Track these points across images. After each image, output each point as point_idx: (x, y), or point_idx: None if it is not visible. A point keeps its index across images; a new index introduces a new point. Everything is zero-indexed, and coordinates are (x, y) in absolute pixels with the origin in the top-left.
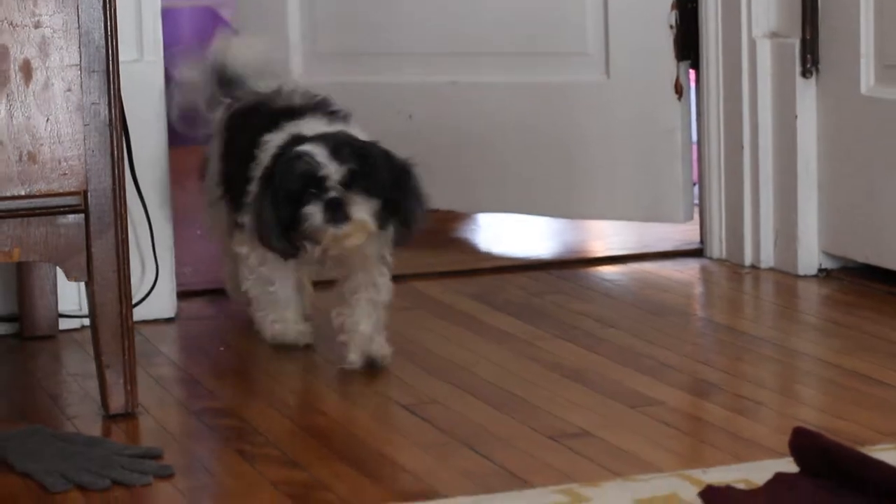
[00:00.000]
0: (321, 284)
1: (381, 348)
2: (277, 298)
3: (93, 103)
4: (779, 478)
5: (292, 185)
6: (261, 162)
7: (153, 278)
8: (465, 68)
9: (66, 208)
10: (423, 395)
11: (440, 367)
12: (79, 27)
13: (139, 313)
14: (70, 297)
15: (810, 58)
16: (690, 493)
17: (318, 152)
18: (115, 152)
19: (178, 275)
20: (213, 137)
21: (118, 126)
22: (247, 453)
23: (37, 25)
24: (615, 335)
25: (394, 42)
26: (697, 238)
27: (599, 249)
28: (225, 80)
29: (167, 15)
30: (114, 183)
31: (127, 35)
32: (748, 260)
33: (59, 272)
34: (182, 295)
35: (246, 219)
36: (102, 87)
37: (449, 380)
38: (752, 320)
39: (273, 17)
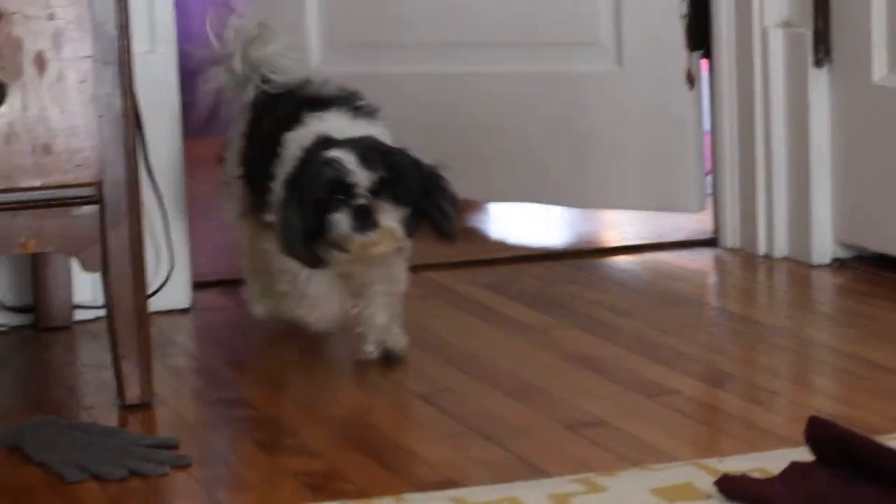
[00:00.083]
0: None
1: (398, 339)
2: (307, 290)
3: (106, 95)
4: (794, 467)
5: (319, 191)
6: (284, 160)
7: (168, 269)
8: (481, 58)
9: (81, 199)
10: (438, 384)
11: (456, 357)
12: (92, 19)
13: (154, 304)
14: (85, 288)
15: (823, 47)
16: (706, 482)
17: (347, 159)
18: (130, 143)
19: (193, 265)
20: (237, 118)
21: (132, 117)
22: (263, 443)
23: (50, 17)
24: (630, 325)
25: (410, 32)
26: (711, 228)
27: (614, 239)
28: (251, 65)
29: (179, 6)
30: (128, 174)
31: (140, 26)
32: (762, 249)
33: (74, 263)
34: (197, 285)
35: (270, 218)
36: (116, 79)
37: (465, 369)
38: (766, 310)
39: (291, 7)
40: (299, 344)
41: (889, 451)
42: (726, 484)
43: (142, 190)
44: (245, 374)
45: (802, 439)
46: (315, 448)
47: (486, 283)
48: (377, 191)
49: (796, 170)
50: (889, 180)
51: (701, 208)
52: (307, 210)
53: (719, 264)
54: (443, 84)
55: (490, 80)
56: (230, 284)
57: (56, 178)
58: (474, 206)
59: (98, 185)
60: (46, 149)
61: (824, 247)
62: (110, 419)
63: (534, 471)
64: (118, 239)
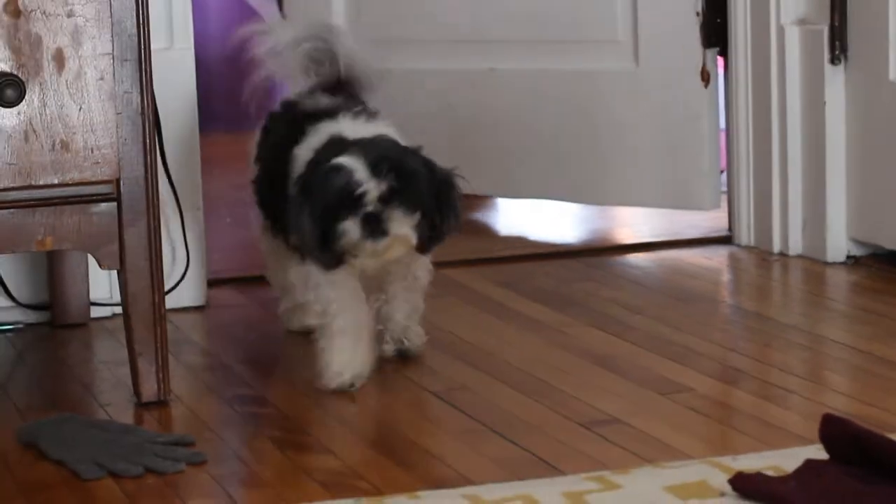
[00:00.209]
0: None
1: (415, 338)
2: (336, 322)
3: (125, 92)
4: (808, 465)
5: (329, 199)
6: (295, 174)
7: (184, 266)
8: (502, 55)
9: (99, 197)
10: (453, 382)
11: (470, 354)
12: (111, 16)
13: (170, 301)
14: (101, 285)
15: (839, 45)
16: (720, 480)
17: (357, 166)
18: (147, 141)
19: (209, 262)
20: (255, 140)
21: (150, 114)
22: (279, 440)
23: (69, 14)
24: (644, 322)
25: (434, 29)
26: (726, 225)
27: (628, 236)
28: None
29: (197, 3)
30: (146, 171)
31: (158, 23)
32: (776, 247)
33: (91, 260)
34: (212, 283)
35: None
36: (134, 76)
37: (479, 367)
38: (780, 307)
39: (317, 4)
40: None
41: None
42: (740, 482)
43: (159, 187)
44: (260, 371)
45: (817, 437)
46: (330, 445)
47: (500, 281)
48: (387, 198)
49: (811, 167)
50: None
51: (716, 206)
52: (317, 216)
53: (734, 262)
54: (463, 80)
55: (509, 76)
56: (245, 282)
57: (74, 176)
58: (488, 203)
59: (116, 182)
60: (64, 146)
61: (839, 244)
62: (126, 416)
63: (548, 468)
64: (135, 236)
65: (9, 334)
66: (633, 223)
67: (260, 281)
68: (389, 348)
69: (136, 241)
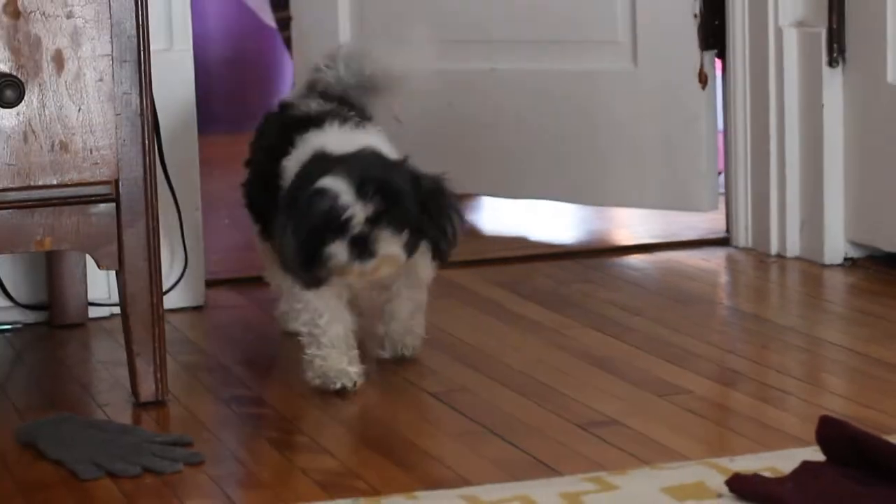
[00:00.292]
0: None
1: (413, 339)
2: (326, 333)
3: (124, 93)
4: (805, 466)
5: (314, 222)
6: (286, 179)
7: (182, 267)
8: (503, 56)
9: (98, 197)
10: (452, 383)
11: (469, 356)
12: (110, 17)
13: (168, 302)
14: (99, 285)
15: (837, 47)
16: (717, 482)
17: (342, 188)
18: (146, 142)
19: (207, 263)
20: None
21: (149, 115)
22: (276, 441)
23: (69, 16)
24: (642, 324)
25: (436, 30)
26: (723, 227)
27: (626, 238)
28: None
29: (196, 4)
30: (145, 172)
31: (157, 25)
32: (774, 249)
33: (89, 260)
34: (210, 284)
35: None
36: (134, 77)
37: (478, 368)
38: (778, 309)
39: (323, 5)
40: None
41: None
42: (737, 483)
43: (157, 188)
44: (258, 371)
45: (814, 439)
46: (328, 446)
47: (499, 282)
48: (374, 219)
49: (809, 169)
50: None
51: (713, 207)
52: (302, 237)
53: (731, 263)
54: (464, 80)
55: (509, 76)
56: (243, 282)
57: (73, 176)
58: (487, 202)
59: (114, 183)
60: (64, 147)
61: (837, 246)
62: (124, 416)
63: (546, 469)
64: (134, 237)
65: (7, 334)
66: (630, 224)
67: (258, 282)
68: (384, 353)
69: (134, 241)
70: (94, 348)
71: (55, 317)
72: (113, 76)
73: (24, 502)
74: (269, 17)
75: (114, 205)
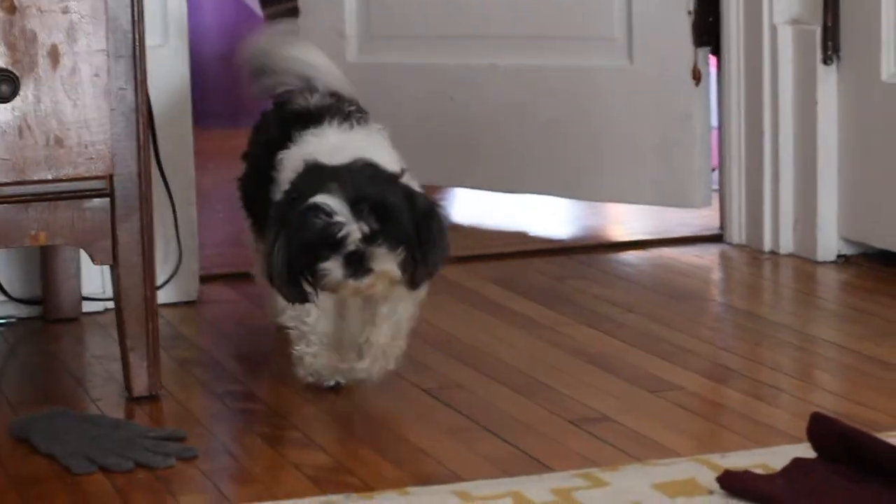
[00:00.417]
0: None
1: (394, 352)
2: (314, 331)
3: (119, 88)
4: (796, 463)
5: (308, 239)
6: (280, 183)
7: (176, 262)
8: (503, 51)
9: (93, 192)
10: (445, 379)
11: (462, 352)
12: (106, 13)
13: (162, 296)
14: (93, 280)
15: (831, 45)
16: (708, 478)
17: (337, 207)
18: (141, 137)
19: (201, 258)
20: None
21: (144, 111)
22: (269, 436)
23: (64, 11)
24: (635, 320)
25: (438, 25)
26: (717, 223)
27: (620, 234)
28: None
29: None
30: (139, 167)
31: (153, 20)
32: (767, 245)
33: (83, 255)
34: (204, 279)
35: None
36: (129, 73)
37: (471, 364)
38: (770, 306)
39: (330, 2)
40: None
41: (891, 447)
42: (728, 480)
43: (152, 183)
44: (251, 366)
45: (805, 436)
46: (320, 441)
47: (492, 278)
48: (369, 237)
49: (803, 166)
50: (895, 178)
51: (707, 204)
52: (294, 253)
53: (725, 260)
54: (465, 76)
55: (509, 72)
56: (237, 277)
57: (68, 171)
58: (482, 197)
59: (109, 178)
60: (58, 142)
61: (830, 243)
62: (118, 411)
63: (538, 466)
64: (128, 232)
65: (1, 328)
66: (624, 220)
67: (251, 277)
68: (364, 370)
69: (128, 236)
70: (87, 343)
71: (49, 311)
72: (108, 71)
73: (17, 496)
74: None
75: (108, 200)
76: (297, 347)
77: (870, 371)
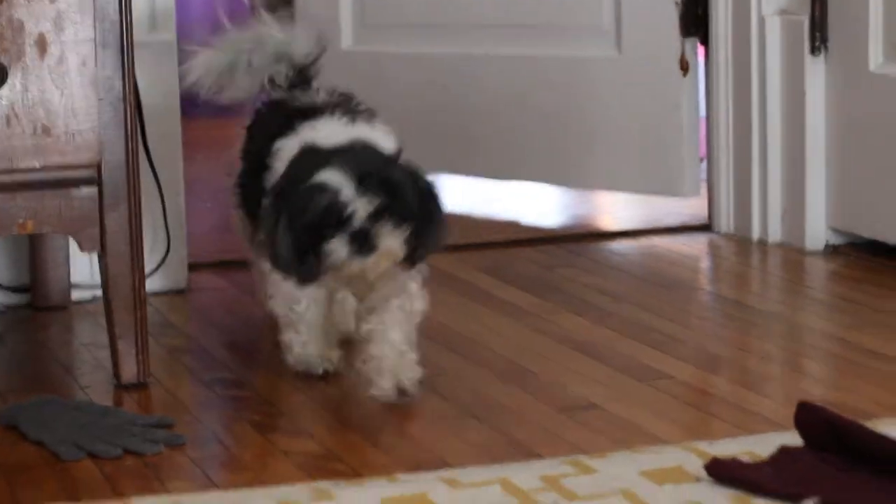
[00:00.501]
0: None
1: (411, 371)
2: (303, 319)
3: (107, 77)
4: (783, 451)
5: (313, 218)
6: (275, 171)
7: (164, 250)
8: (497, 41)
9: (80, 181)
10: (433, 367)
11: (451, 340)
12: (93, 2)
13: (150, 285)
14: (82, 268)
15: (819, 35)
16: (696, 466)
17: (343, 184)
18: (129, 126)
19: (189, 246)
20: (240, 136)
21: (132, 100)
22: (258, 423)
23: (52, 0)
24: (624, 309)
25: (432, 14)
26: (706, 213)
27: (609, 223)
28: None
29: None
30: (127, 156)
31: (141, 9)
32: (756, 235)
33: (72, 243)
34: (193, 267)
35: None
36: (116, 62)
37: (459, 352)
38: (759, 295)
39: None
40: None
41: (878, 436)
42: (716, 467)
43: (140, 172)
44: (240, 354)
45: (793, 424)
46: (309, 428)
47: (482, 267)
48: (375, 214)
49: (791, 156)
50: (883, 168)
51: (695, 193)
52: (298, 232)
53: (713, 249)
54: (461, 65)
55: (503, 62)
56: (226, 265)
57: (55, 160)
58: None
59: (97, 166)
60: (46, 130)
61: (818, 233)
62: (106, 398)
63: (526, 453)
64: (116, 220)
65: None
66: (613, 210)
67: (240, 265)
68: (388, 388)
69: (116, 224)
70: (76, 331)
71: (38, 299)
72: (96, 60)
73: (5, 483)
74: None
75: (96, 188)
76: (286, 335)
77: (857, 360)
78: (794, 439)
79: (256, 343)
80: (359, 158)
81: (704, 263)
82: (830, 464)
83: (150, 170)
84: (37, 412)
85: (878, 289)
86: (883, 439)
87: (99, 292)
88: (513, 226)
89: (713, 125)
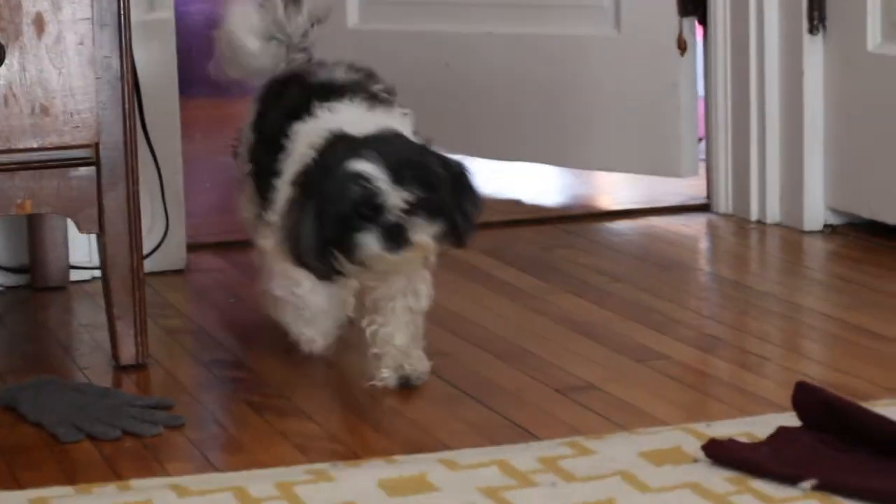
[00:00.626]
0: None
1: (418, 363)
2: (304, 300)
3: (105, 57)
4: (781, 432)
5: (344, 207)
6: (293, 154)
7: (163, 230)
8: (499, 19)
9: (78, 161)
10: (431, 347)
11: (449, 321)
12: None
13: (149, 265)
14: (81, 248)
15: (817, 14)
16: (694, 447)
17: (378, 175)
18: (127, 105)
19: (188, 227)
20: (250, 107)
21: (130, 79)
22: (256, 404)
23: None
24: (622, 289)
25: None
26: (704, 193)
27: (607, 203)
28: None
29: None
30: (125, 136)
31: None
32: (754, 215)
33: (71, 224)
34: (192, 247)
35: (273, 218)
36: (114, 41)
37: (457, 333)
38: (757, 275)
39: None
40: None
41: (876, 416)
42: (714, 448)
43: (138, 152)
44: (239, 335)
45: (791, 405)
46: (307, 409)
47: (481, 247)
48: (410, 206)
49: (789, 136)
50: (881, 148)
51: (693, 173)
52: (326, 223)
53: (712, 229)
54: (463, 42)
55: (505, 40)
56: (225, 246)
57: (53, 140)
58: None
59: (95, 146)
60: (44, 110)
61: (816, 213)
62: (105, 379)
63: (524, 434)
64: (114, 200)
65: None
66: (611, 190)
67: (239, 245)
68: (389, 377)
69: (115, 205)
70: (75, 311)
71: (36, 280)
72: (93, 40)
73: (4, 465)
74: None
75: (94, 168)
76: (286, 317)
77: (855, 340)
78: (792, 420)
79: (256, 324)
80: (393, 148)
81: (703, 244)
82: (828, 444)
83: (148, 150)
84: (36, 393)
85: (876, 269)
86: (881, 420)
87: (98, 273)
88: (511, 206)
89: (711, 105)
